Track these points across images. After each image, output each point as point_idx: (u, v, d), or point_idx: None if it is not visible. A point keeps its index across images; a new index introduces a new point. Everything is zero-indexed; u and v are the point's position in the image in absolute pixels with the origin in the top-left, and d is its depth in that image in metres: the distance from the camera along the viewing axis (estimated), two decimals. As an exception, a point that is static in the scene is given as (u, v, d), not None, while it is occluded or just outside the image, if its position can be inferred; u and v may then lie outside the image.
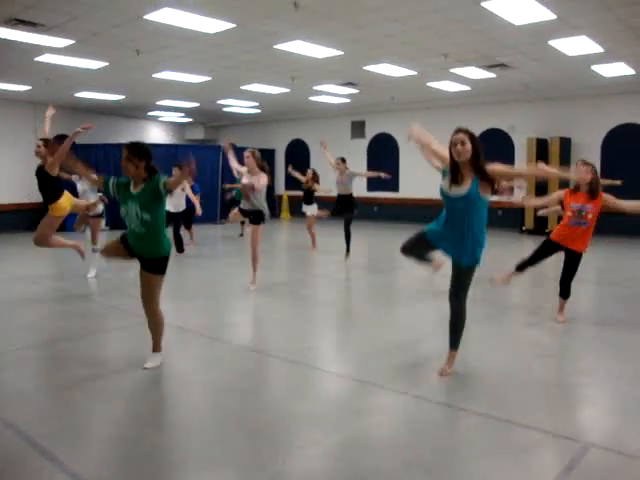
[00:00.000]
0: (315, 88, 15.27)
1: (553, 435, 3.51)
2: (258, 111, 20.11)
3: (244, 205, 8.19)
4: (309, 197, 12.39)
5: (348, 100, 17.38)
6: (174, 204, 11.52)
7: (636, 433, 3.61)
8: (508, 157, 16.62)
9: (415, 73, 12.92)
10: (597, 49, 10.46)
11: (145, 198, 4.49)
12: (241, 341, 5.74)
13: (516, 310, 7.21)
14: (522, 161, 16.00)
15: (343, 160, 11.25)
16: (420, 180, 18.18)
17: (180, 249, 11.46)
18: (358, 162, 19.42)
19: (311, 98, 16.97)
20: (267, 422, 3.73)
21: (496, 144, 16.76)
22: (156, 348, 4.90)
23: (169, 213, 11.91)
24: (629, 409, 3.98)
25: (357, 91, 15.64)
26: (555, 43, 10.08)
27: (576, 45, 10.19)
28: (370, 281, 9.26)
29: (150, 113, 20.50)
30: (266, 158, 22.19)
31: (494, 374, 4.70)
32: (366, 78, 13.60)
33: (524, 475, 3.10)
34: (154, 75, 13.03)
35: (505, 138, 16.76)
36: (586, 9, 8.21)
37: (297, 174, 12.49)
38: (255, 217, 8.07)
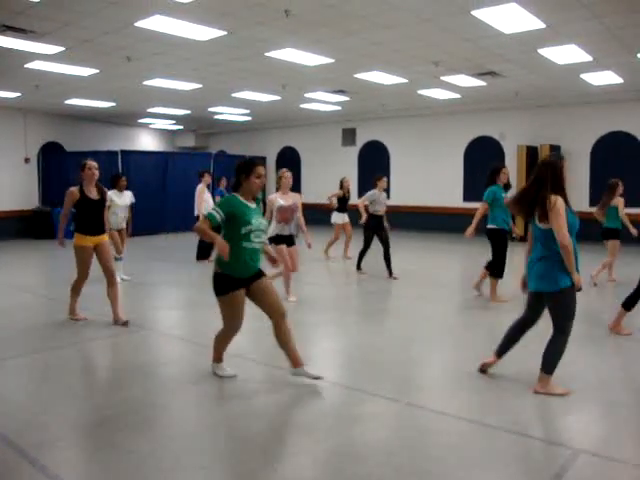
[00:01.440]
0: (306, 95, 15.29)
1: (544, 442, 3.51)
2: (249, 118, 20.12)
3: (283, 230, 7.61)
4: (344, 205, 12.45)
5: (339, 107, 17.42)
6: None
7: (626, 439, 3.63)
8: (498, 165, 16.69)
9: (406, 81, 12.96)
10: (586, 58, 10.54)
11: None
12: (232, 349, 5.71)
13: (506, 315, 7.22)
14: (512, 168, 16.06)
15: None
16: (411, 188, 18.27)
17: (206, 254, 11.54)
18: (349, 169, 19.46)
19: (302, 105, 16.99)
20: (258, 430, 3.71)
21: (486, 152, 16.84)
22: (215, 359, 4.89)
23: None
24: (619, 416, 3.99)
25: (348, 99, 15.69)
26: (545, 52, 10.16)
27: (565, 54, 10.27)
28: (363, 289, 9.25)
29: (141, 120, 20.47)
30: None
31: (485, 381, 4.70)
32: (357, 86, 13.64)
33: (516, 482, 3.10)
34: (145, 82, 13.01)
35: (495, 146, 16.83)
36: (575, 18, 8.28)
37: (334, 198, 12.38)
38: (291, 239, 7.79)
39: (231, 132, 22.95)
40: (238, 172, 4.48)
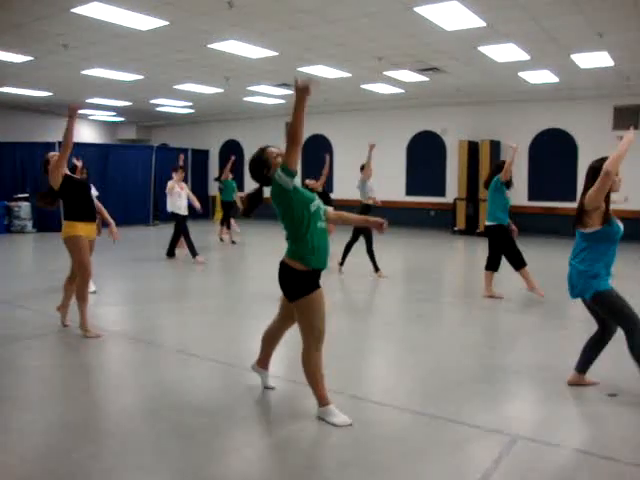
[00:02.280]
0: (249, 89, 15.19)
1: (483, 429, 3.59)
2: (192, 111, 19.84)
3: None
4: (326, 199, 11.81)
5: (283, 101, 17.36)
6: (183, 206, 10.92)
7: (561, 423, 3.75)
8: (440, 159, 17.00)
9: (349, 75, 13.02)
10: (524, 57, 10.82)
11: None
12: (173, 344, 5.63)
13: (447, 307, 7.35)
14: (453, 163, 16.39)
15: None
16: (354, 182, 18.32)
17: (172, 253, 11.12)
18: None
19: (245, 99, 16.87)
20: (202, 426, 3.66)
21: (429, 146, 17.11)
22: (320, 402, 3.79)
23: (182, 216, 10.83)
24: (554, 401, 4.12)
25: (292, 92, 15.61)
26: (485, 49, 10.37)
27: (504, 52, 10.52)
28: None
29: (80, 111, 19.85)
30: (199, 160, 21.88)
31: (426, 373, 4.77)
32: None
33: (456, 470, 3.16)
34: (83, 72, 12.63)
35: (437, 140, 17.11)
36: (513, 18, 8.48)
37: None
38: None
39: (174, 125, 22.58)
40: None
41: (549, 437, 3.49)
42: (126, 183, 18.06)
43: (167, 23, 8.77)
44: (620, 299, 4.06)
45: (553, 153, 15.27)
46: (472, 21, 8.57)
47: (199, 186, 20.09)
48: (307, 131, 19.84)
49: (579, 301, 4.29)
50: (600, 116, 14.65)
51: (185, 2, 7.86)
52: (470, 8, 8.04)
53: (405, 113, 17.32)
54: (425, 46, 10.29)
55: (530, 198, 15.75)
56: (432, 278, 9.69)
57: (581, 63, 11.33)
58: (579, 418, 3.95)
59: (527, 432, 3.59)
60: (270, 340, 4.27)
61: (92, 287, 7.32)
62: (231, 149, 21.39)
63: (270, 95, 16.29)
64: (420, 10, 8.15)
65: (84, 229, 5.66)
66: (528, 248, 10.21)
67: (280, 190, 3.67)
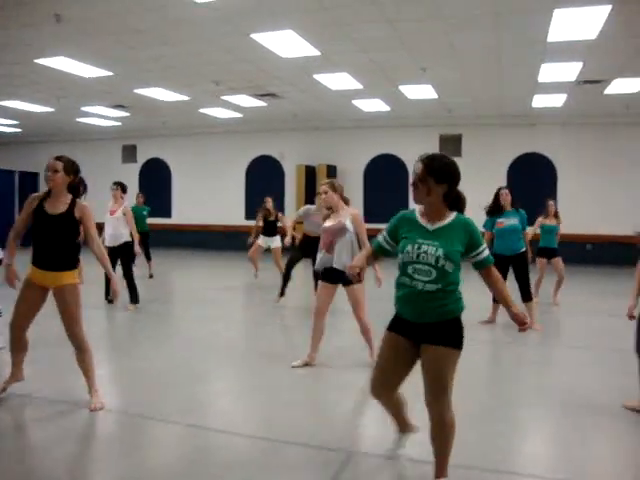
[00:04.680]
0: (83, 109, 14.52)
1: (320, 449, 3.64)
2: (19, 130, 18.56)
3: (322, 262, 5.52)
4: (272, 228, 10.44)
5: (119, 123, 16.81)
6: (114, 234, 8.66)
7: (392, 435, 3.91)
8: (278, 183, 17.27)
9: (187, 98, 12.90)
10: (357, 85, 11.38)
11: (453, 237, 2.93)
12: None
13: (295, 328, 7.41)
14: (292, 187, 16.73)
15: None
16: (193, 206, 18.15)
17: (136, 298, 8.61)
18: (129, 187, 18.76)
19: (79, 119, 16.11)
20: (25, 473, 3.35)
21: (267, 170, 17.36)
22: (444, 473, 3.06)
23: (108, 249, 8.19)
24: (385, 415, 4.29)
25: (128, 114, 15.19)
26: (320, 77, 10.77)
27: (338, 80, 11.00)
28: (147, 310, 8.90)
29: None
30: (28, 183, 20.38)
31: (265, 396, 4.77)
32: (137, 101, 13.27)
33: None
34: None
35: (275, 165, 17.41)
36: (345, 49, 8.91)
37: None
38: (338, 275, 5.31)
39: (-1, 144, 20.89)
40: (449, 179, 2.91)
41: (381, 450, 3.63)
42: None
43: (-17, 33, 8.11)
44: None
45: (386, 177, 16.14)
46: (307, 50, 8.87)
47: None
48: (144, 154, 19.39)
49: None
50: (428, 143, 15.67)
51: (6, 9, 7.30)
52: (305, 37, 8.32)
53: (244, 138, 17.47)
54: (262, 72, 10.46)
55: (365, 220, 16.48)
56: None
57: (409, 94, 12.14)
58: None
59: (362, 447, 3.73)
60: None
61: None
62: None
63: (105, 116, 15.69)
64: (257, 37, 8.29)
65: (39, 276, 4.28)
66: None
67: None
